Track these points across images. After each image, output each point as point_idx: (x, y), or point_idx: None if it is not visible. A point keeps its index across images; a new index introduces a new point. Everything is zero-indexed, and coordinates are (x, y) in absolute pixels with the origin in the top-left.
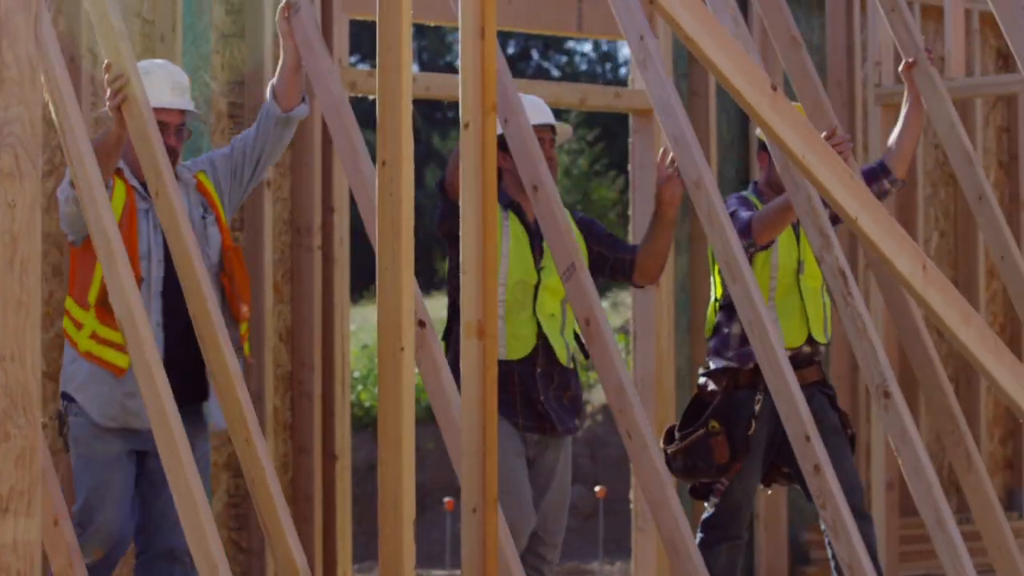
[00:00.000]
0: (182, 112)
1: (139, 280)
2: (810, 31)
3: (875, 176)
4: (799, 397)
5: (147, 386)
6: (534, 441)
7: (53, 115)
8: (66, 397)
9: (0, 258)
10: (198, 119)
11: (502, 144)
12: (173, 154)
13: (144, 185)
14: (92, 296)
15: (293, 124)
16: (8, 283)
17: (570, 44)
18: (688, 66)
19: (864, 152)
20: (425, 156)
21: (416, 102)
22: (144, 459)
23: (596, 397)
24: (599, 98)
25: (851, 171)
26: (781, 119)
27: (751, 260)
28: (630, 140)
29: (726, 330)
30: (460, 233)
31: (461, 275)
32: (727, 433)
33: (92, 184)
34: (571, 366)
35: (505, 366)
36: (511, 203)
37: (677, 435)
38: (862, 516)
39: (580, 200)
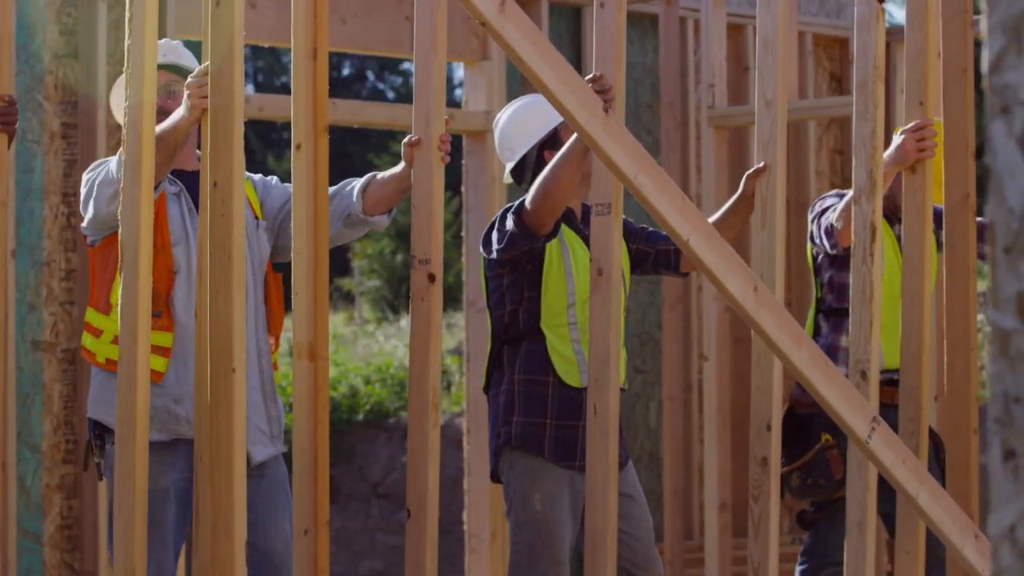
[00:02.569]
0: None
1: (172, 272)
2: (643, 53)
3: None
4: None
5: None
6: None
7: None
8: (97, 426)
9: None
10: (31, 140)
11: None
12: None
13: (175, 171)
14: (116, 296)
15: (366, 228)
16: None
17: (406, 65)
18: (521, 88)
19: (697, 175)
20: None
21: (252, 123)
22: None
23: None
24: None
25: (683, 194)
26: (612, 141)
27: (847, 263)
28: (463, 161)
29: (832, 341)
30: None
31: (293, 295)
32: (839, 446)
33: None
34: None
35: (580, 395)
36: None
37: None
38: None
39: None
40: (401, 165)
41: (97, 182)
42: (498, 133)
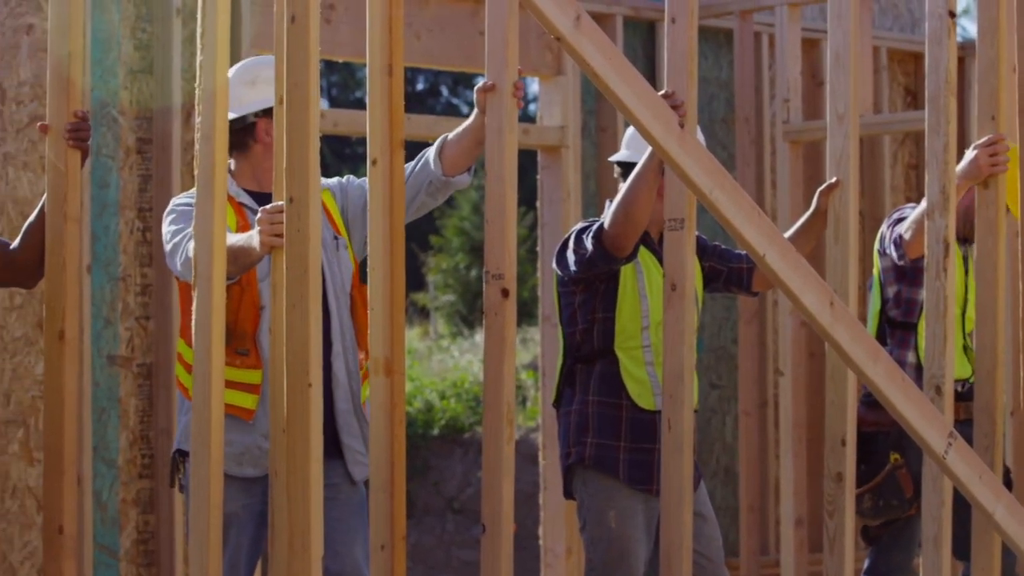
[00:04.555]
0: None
1: (258, 308)
2: (718, 68)
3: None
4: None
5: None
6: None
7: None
8: (184, 454)
9: None
10: (106, 155)
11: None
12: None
13: (254, 193)
14: None
15: (450, 190)
16: None
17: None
18: (596, 103)
19: (772, 189)
20: None
21: (326, 138)
22: None
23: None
24: None
25: (758, 209)
26: (688, 156)
27: (915, 278)
28: (538, 176)
29: (898, 356)
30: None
31: (369, 310)
32: (906, 464)
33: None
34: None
35: (654, 418)
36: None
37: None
38: None
39: None
40: (474, 114)
41: (180, 262)
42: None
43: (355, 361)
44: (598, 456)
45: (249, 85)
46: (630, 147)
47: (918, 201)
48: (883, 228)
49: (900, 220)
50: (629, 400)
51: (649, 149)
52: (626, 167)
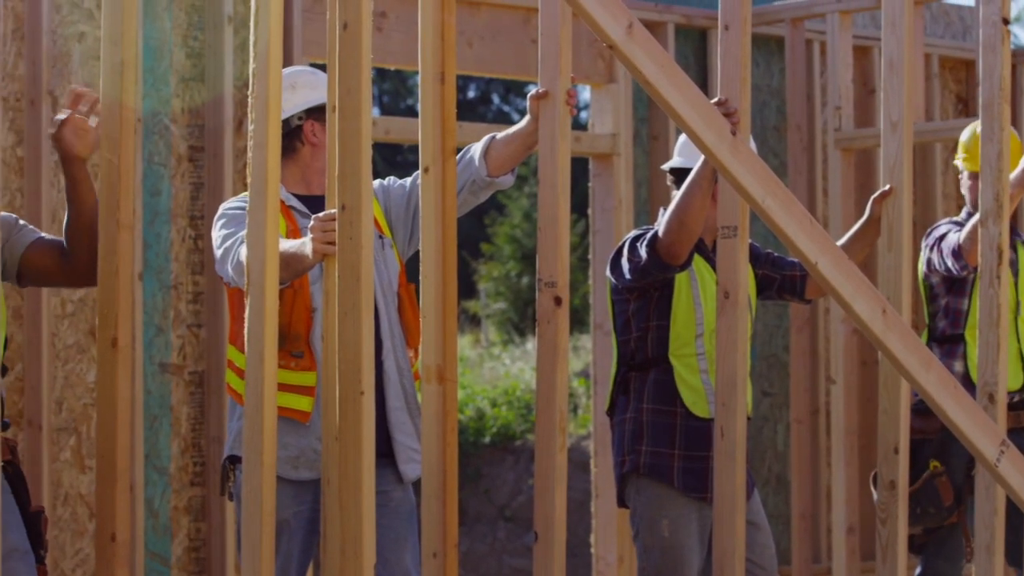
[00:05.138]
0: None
1: (310, 311)
2: (770, 75)
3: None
4: None
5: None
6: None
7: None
8: (234, 460)
9: None
10: (158, 163)
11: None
12: None
13: (303, 196)
14: None
15: (492, 190)
16: None
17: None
18: (648, 110)
19: (824, 197)
20: None
21: (377, 145)
22: None
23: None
24: None
25: (811, 216)
26: (740, 164)
27: (972, 289)
28: (590, 184)
29: (946, 366)
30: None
31: (421, 318)
32: (947, 473)
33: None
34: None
35: (708, 426)
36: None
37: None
38: None
39: None
40: (525, 120)
41: (231, 266)
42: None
43: (405, 358)
44: (652, 464)
45: (290, 90)
46: (683, 154)
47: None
48: (925, 250)
49: (942, 238)
50: (683, 408)
51: (702, 157)
52: (679, 174)
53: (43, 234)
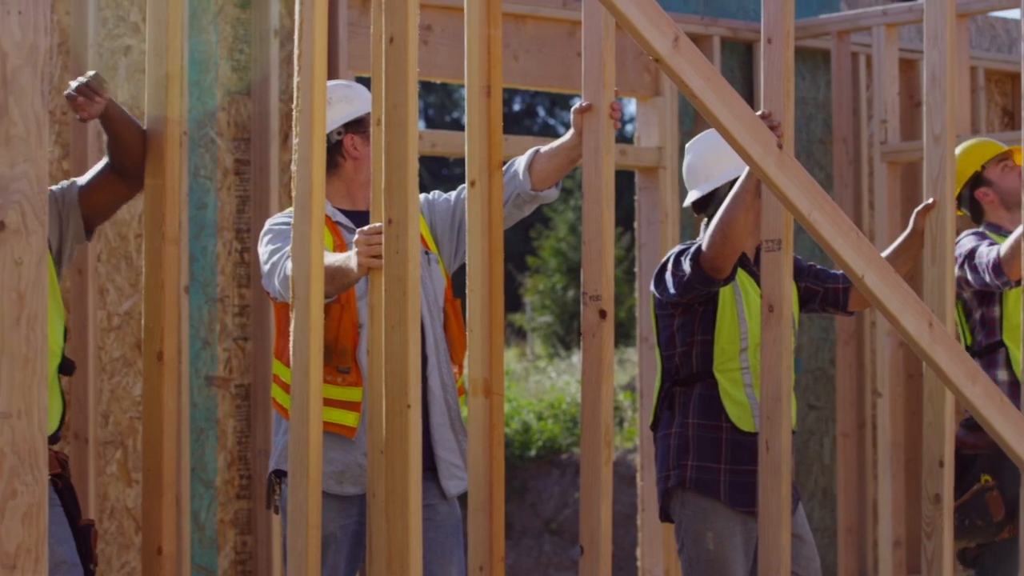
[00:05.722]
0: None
1: (357, 326)
2: (816, 88)
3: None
4: None
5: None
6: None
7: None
8: (280, 474)
9: (7, 316)
10: (204, 176)
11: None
12: None
13: (348, 212)
14: None
15: (536, 204)
16: (15, 340)
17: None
18: (693, 124)
19: (870, 210)
20: None
21: (423, 159)
22: None
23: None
24: None
25: (857, 230)
26: (787, 177)
27: (1001, 295)
28: (636, 197)
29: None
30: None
31: (468, 332)
32: (999, 487)
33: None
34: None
35: (754, 440)
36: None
37: None
38: None
39: None
40: (570, 133)
41: (278, 281)
42: (692, 159)
43: (450, 374)
44: (698, 479)
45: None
46: (693, 184)
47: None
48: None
49: (971, 254)
50: (729, 422)
51: (746, 169)
52: (700, 205)
53: (77, 180)
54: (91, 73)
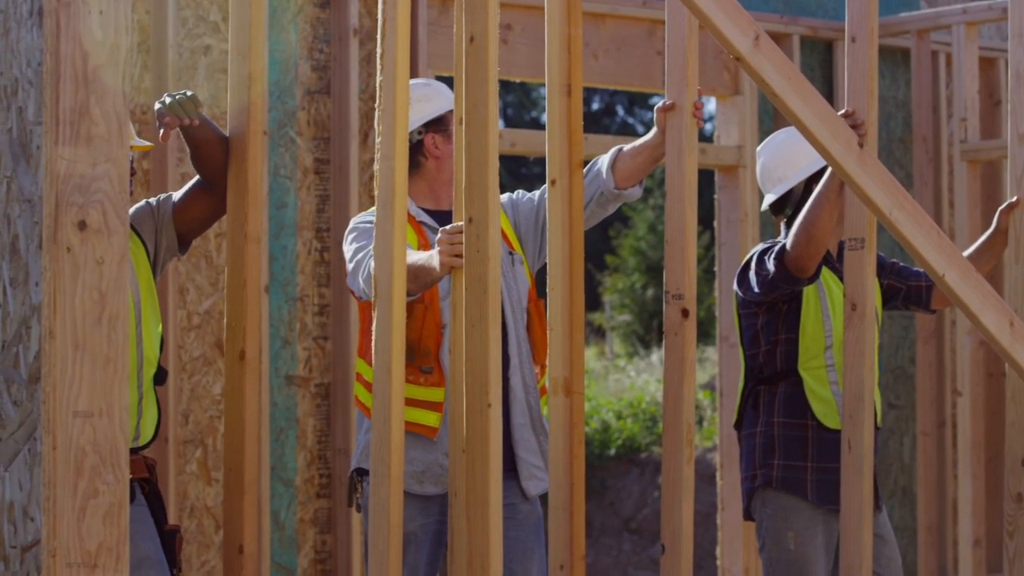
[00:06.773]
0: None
1: (440, 327)
2: (895, 87)
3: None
4: None
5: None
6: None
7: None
8: (362, 472)
9: (89, 315)
10: (284, 176)
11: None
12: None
13: (432, 211)
14: None
15: (620, 202)
16: (96, 340)
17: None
18: (773, 123)
19: (950, 209)
20: None
21: (502, 158)
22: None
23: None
24: None
25: (938, 228)
26: (867, 175)
27: None
28: (715, 196)
29: None
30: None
31: (548, 331)
32: None
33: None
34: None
35: (840, 437)
36: None
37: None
38: None
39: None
40: (652, 132)
41: (363, 279)
42: (765, 161)
43: (531, 375)
44: (785, 477)
45: None
46: (768, 187)
47: None
48: None
49: None
50: (815, 420)
51: (829, 169)
52: (776, 207)
53: (173, 195)
54: (188, 93)
